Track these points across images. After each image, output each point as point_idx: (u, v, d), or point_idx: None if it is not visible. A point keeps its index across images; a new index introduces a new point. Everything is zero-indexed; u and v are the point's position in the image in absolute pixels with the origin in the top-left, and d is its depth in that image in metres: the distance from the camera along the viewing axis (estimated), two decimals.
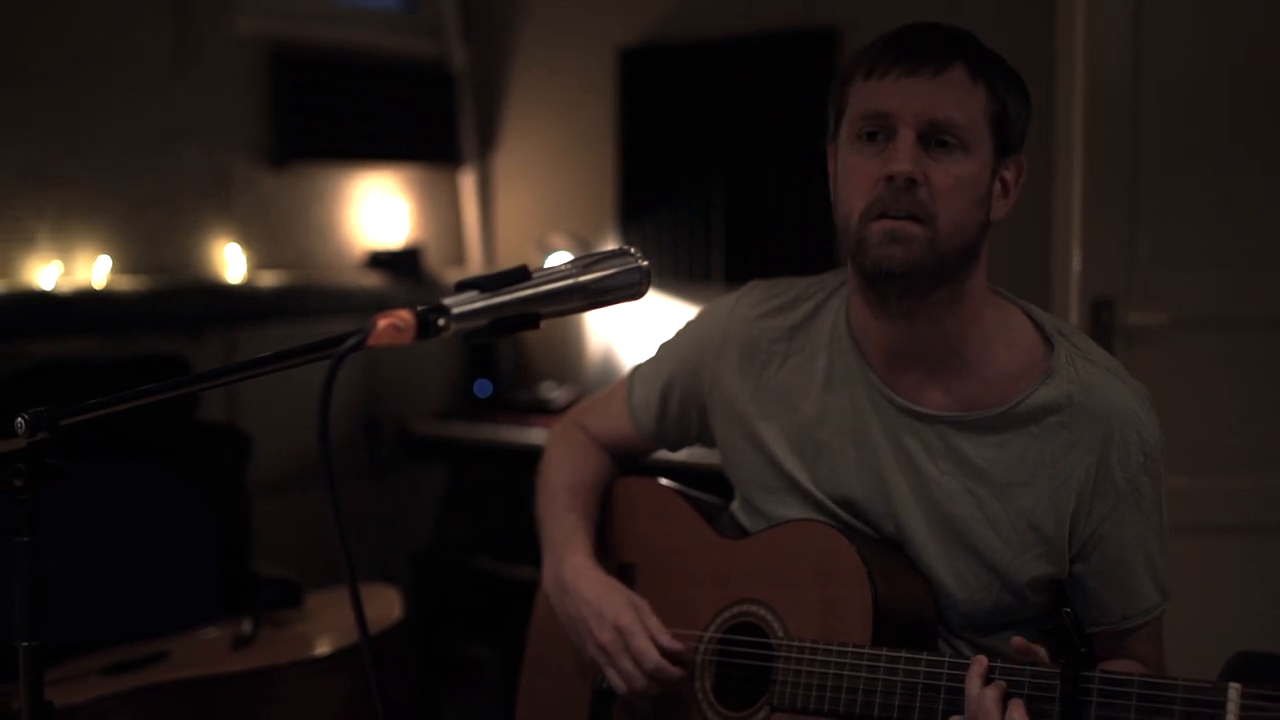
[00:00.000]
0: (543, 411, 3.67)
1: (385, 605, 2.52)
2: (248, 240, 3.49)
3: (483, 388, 3.92)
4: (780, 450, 1.63)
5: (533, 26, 4.05)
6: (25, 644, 1.18)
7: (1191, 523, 2.66)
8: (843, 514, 1.60)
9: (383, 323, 1.02)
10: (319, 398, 0.99)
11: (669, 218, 3.74)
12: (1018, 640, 1.37)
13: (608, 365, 3.89)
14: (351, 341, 1.01)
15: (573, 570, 1.70)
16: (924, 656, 1.43)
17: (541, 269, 1.13)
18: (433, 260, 4.00)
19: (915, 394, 1.55)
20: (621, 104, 3.83)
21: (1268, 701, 1.21)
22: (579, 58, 3.94)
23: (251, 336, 3.39)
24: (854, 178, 1.48)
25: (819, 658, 1.50)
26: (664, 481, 1.82)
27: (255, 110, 3.52)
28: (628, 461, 1.87)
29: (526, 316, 1.09)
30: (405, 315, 1.03)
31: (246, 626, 2.43)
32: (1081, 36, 2.84)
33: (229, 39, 3.42)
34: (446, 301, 1.05)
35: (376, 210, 3.88)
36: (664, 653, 1.61)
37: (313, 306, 3.52)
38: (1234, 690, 1.22)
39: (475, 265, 4.17)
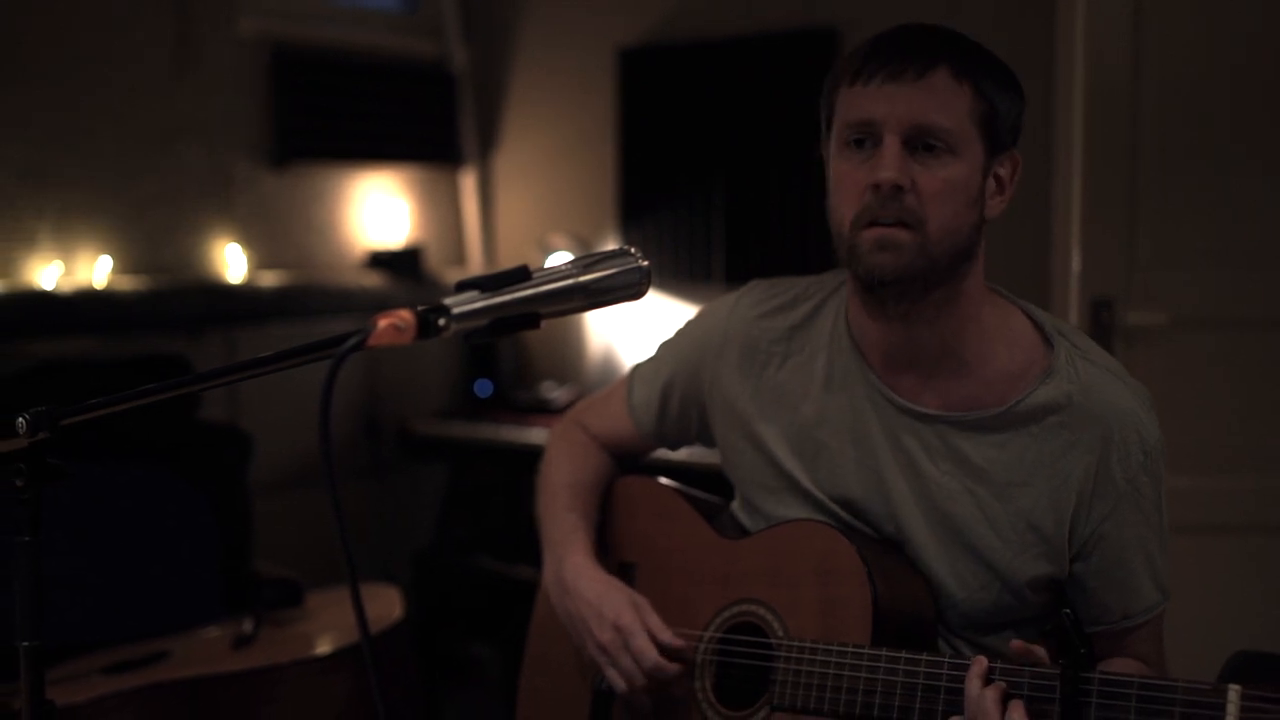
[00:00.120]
0: (543, 411, 3.67)
1: (386, 605, 2.53)
2: (248, 240, 3.49)
3: (483, 387, 3.93)
4: (780, 450, 1.64)
5: (533, 26, 4.05)
6: (26, 643, 1.19)
7: (1191, 523, 2.66)
8: (842, 514, 1.60)
9: (383, 323, 1.02)
10: (320, 397, 0.99)
11: (669, 218, 3.74)
12: (1016, 643, 1.37)
13: (608, 365, 3.89)
14: (352, 341, 1.02)
15: (573, 570, 1.70)
16: (924, 657, 1.43)
17: (542, 269, 1.13)
18: (433, 260, 4.01)
19: (915, 394, 1.55)
20: (622, 104, 3.83)
21: (1267, 703, 1.21)
22: (579, 58, 3.94)
23: (252, 336, 3.39)
24: (843, 185, 1.48)
25: (819, 657, 1.50)
26: (664, 481, 1.82)
27: (256, 110, 3.52)
28: (628, 461, 1.87)
29: (527, 316, 1.10)
30: (406, 315, 1.03)
31: (247, 626, 2.43)
32: (1081, 36, 2.84)
33: (229, 39, 3.42)
34: (447, 301, 1.05)
35: (377, 210, 3.88)
36: (664, 651, 1.61)
37: (313, 306, 3.52)
38: (1234, 692, 1.22)
39: (476, 265, 4.17)
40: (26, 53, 3.04)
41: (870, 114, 1.45)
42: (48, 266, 3.06)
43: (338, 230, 3.78)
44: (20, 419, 1.16)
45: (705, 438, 1.79)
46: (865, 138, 1.46)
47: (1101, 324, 2.85)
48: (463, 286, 1.07)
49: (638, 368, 1.84)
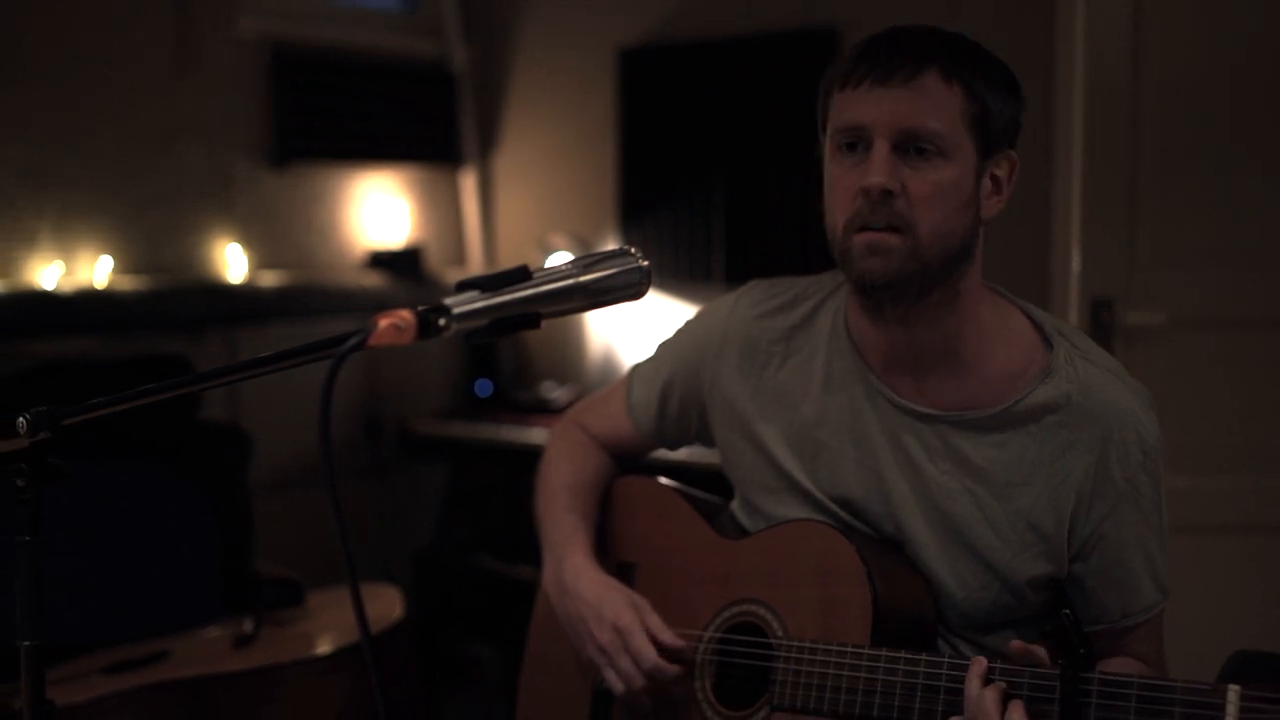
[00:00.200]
0: (543, 411, 3.67)
1: (386, 604, 2.53)
2: (249, 240, 3.49)
3: (483, 387, 3.93)
4: (779, 450, 1.64)
5: (533, 26, 4.05)
6: (27, 643, 1.19)
7: (1191, 523, 2.66)
8: (842, 514, 1.60)
9: (384, 323, 1.02)
10: (320, 397, 0.99)
11: (669, 218, 3.74)
12: (1016, 644, 1.37)
13: (608, 365, 3.89)
14: (352, 341, 1.02)
15: (572, 571, 1.70)
16: (923, 657, 1.43)
17: (542, 269, 1.13)
18: (433, 260, 4.01)
19: (914, 394, 1.55)
20: (622, 104, 3.83)
21: (1267, 703, 1.21)
22: (579, 58, 3.94)
23: (253, 336, 3.39)
24: (836, 190, 1.49)
25: (819, 657, 1.50)
26: (664, 481, 1.82)
27: (256, 110, 3.52)
28: (627, 461, 1.87)
29: (527, 316, 1.10)
30: (406, 315, 1.03)
31: (248, 626, 2.43)
32: (1081, 36, 2.85)
33: (229, 39, 3.42)
34: (447, 301, 1.05)
35: (377, 210, 3.88)
36: (664, 651, 1.61)
37: (314, 306, 3.52)
38: (1233, 692, 1.22)
39: (476, 265, 4.17)
40: (26, 53, 3.04)
41: (860, 118, 1.44)
42: (48, 266, 3.06)
43: (338, 230, 3.78)
44: (21, 419, 1.16)
45: (705, 437, 1.79)
46: (856, 142, 1.46)
47: (1101, 324, 2.85)
48: (463, 286, 1.07)
49: (637, 368, 1.84)
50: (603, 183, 3.91)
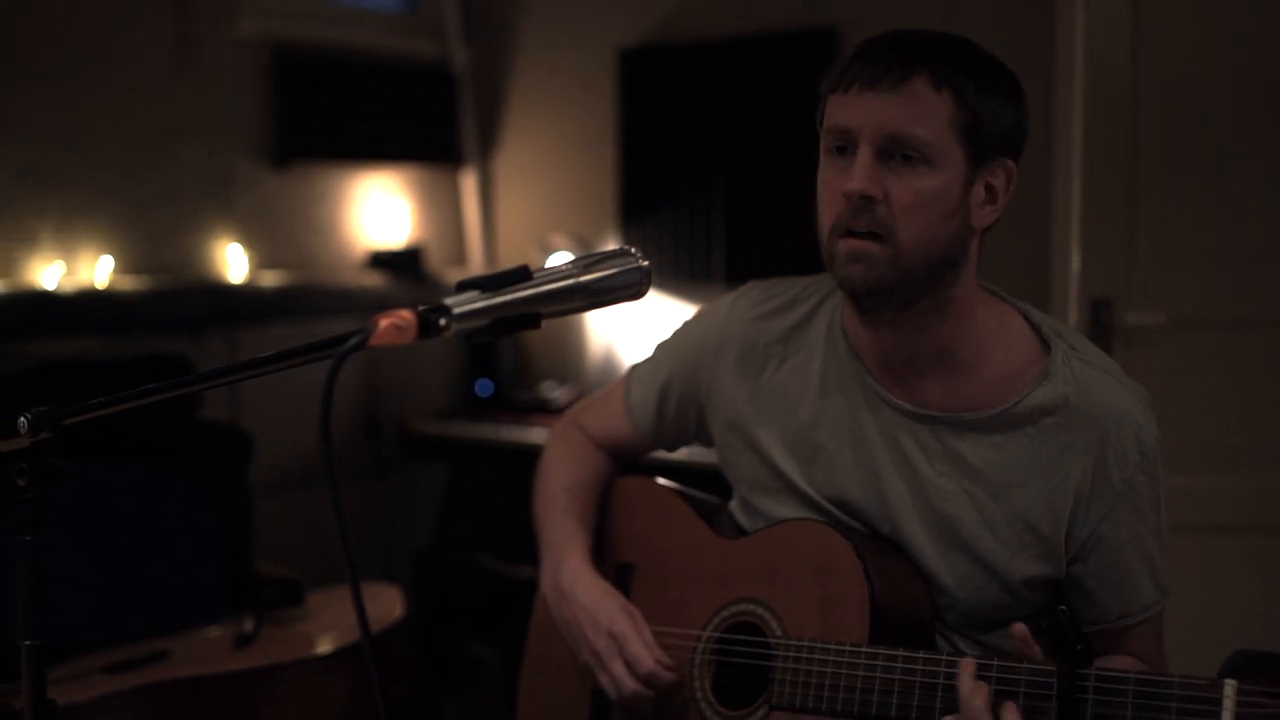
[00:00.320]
0: (544, 411, 3.67)
1: (386, 604, 2.53)
2: (249, 240, 3.49)
3: (484, 387, 3.93)
4: (777, 452, 1.64)
5: (533, 27, 4.05)
6: (28, 643, 1.19)
7: (1191, 522, 2.66)
8: (840, 515, 1.60)
9: (384, 322, 1.03)
10: (321, 397, 0.99)
11: (669, 218, 3.74)
12: (1019, 627, 1.37)
13: (608, 365, 3.89)
14: (353, 341, 1.02)
15: (570, 575, 1.70)
16: (921, 655, 1.43)
17: (542, 269, 1.13)
18: (434, 260, 4.01)
19: (911, 395, 1.55)
20: (622, 104, 3.83)
21: (1264, 698, 1.21)
22: (579, 58, 3.94)
23: (253, 336, 3.39)
24: (825, 193, 1.48)
25: (817, 656, 1.50)
26: (662, 481, 1.82)
27: (256, 110, 3.52)
28: (626, 461, 1.88)
29: (527, 316, 1.10)
30: (406, 315, 1.03)
31: (248, 625, 2.43)
32: (1081, 36, 2.85)
33: (229, 39, 3.43)
34: (448, 301, 1.05)
35: (378, 210, 3.88)
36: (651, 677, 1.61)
37: (314, 306, 3.53)
38: (1230, 687, 1.23)
39: (476, 265, 4.17)
40: (26, 53, 3.04)
41: (846, 122, 1.44)
42: (49, 266, 3.06)
43: (338, 230, 3.78)
44: (22, 419, 1.16)
45: (704, 438, 1.79)
46: (846, 145, 1.45)
47: (1101, 324, 2.85)
48: (463, 286, 1.07)
49: (636, 368, 1.84)
50: (603, 183, 3.91)
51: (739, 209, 3.60)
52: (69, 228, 3.11)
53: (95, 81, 3.16)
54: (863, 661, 1.46)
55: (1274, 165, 2.83)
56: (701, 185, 3.66)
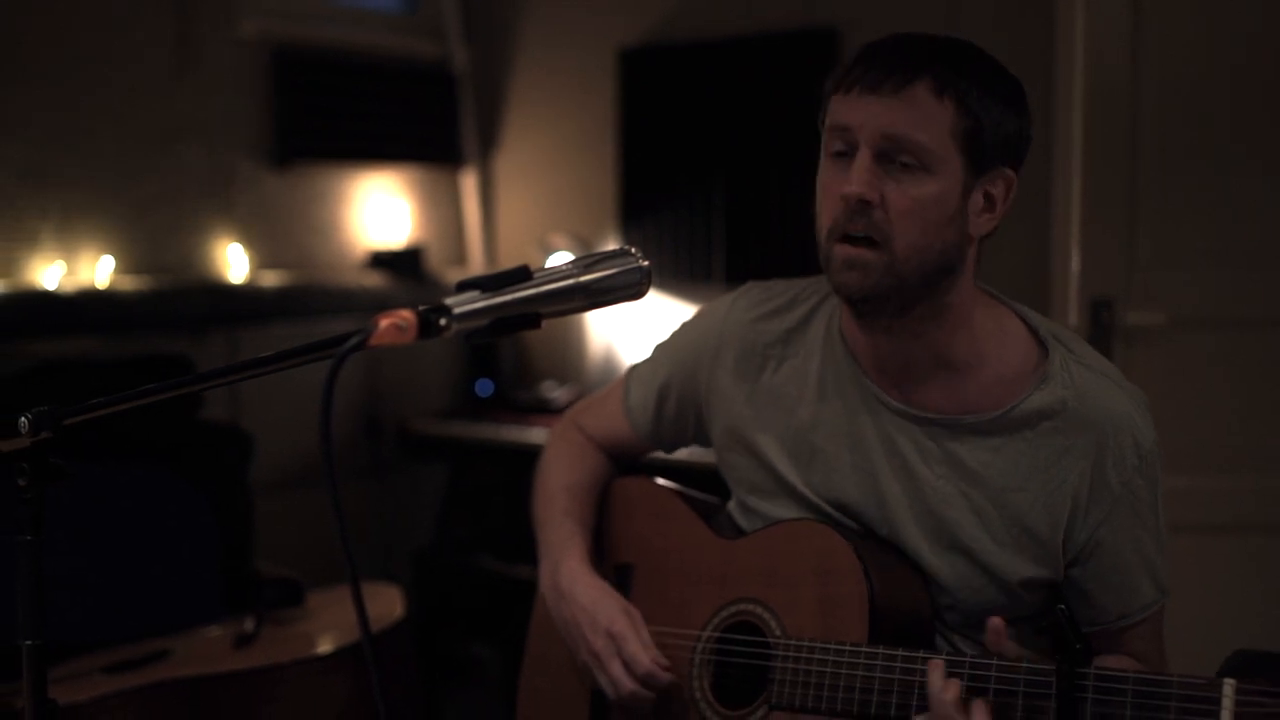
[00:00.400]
0: (544, 411, 3.67)
1: (386, 604, 2.53)
2: (250, 240, 3.49)
3: (484, 387, 3.93)
4: (775, 454, 1.64)
5: (533, 27, 4.05)
6: (29, 643, 1.19)
7: (1191, 522, 2.66)
8: (837, 517, 1.60)
9: (384, 322, 1.03)
10: (321, 397, 1.00)
11: (669, 218, 3.74)
12: (994, 620, 1.37)
13: (608, 365, 3.89)
14: (353, 341, 1.02)
15: (568, 575, 1.70)
16: (921, 655, 1.43)
17: (542, 269, 1.13)
18: (434, 260, 4.01)
19: (909, 398, 1.55)
20: (622, 104, 3.83)
21: (1263, 697, 1.21)
22: (580, 58, 3.94)
23: (254, 336, 3.39)
24: (823, 195, 1.48)
25: (816, 656, 1.50)
26: (661, 481, 1.83)
27: (256, 110, 3.52)
28: (625, 461, 1.88)
29: (527, 316, 1.10)
30: (407, 315, 1.03)
31: (248, 625, 2.43)
32: (1081, 36, 2.85)
33: (230, 39, 3.43)
34: (448, 301, 1.05)
35: (378, 210, 3.88)
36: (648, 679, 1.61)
37: (315, 306, 3.53)
38: (1229, 686, 1.23)
39: (476, 265, 4.17)
40: (26, 53, 3.04)
41: (847, 124, 1.43)
42: (50, 266, 3.06)
43: (339, 230, 3.78)
44: (23, 419, 1.16)
45: (703, 439, 1.79)
46: (846, 148, 1.45)
47: (1101, 324, 2.85)
48: (463, 286, 1.07)
49: (634, 369, 1.84)
50: (603, 183, 3.91)
51: (739, 209, 3.60)
52: (69, 228, 3.11)
53: (95, 81, 3.16)
54: (862, 661, 1.46)
55: (1274, 165, 2.83)
56: (701, 185, 3.66)
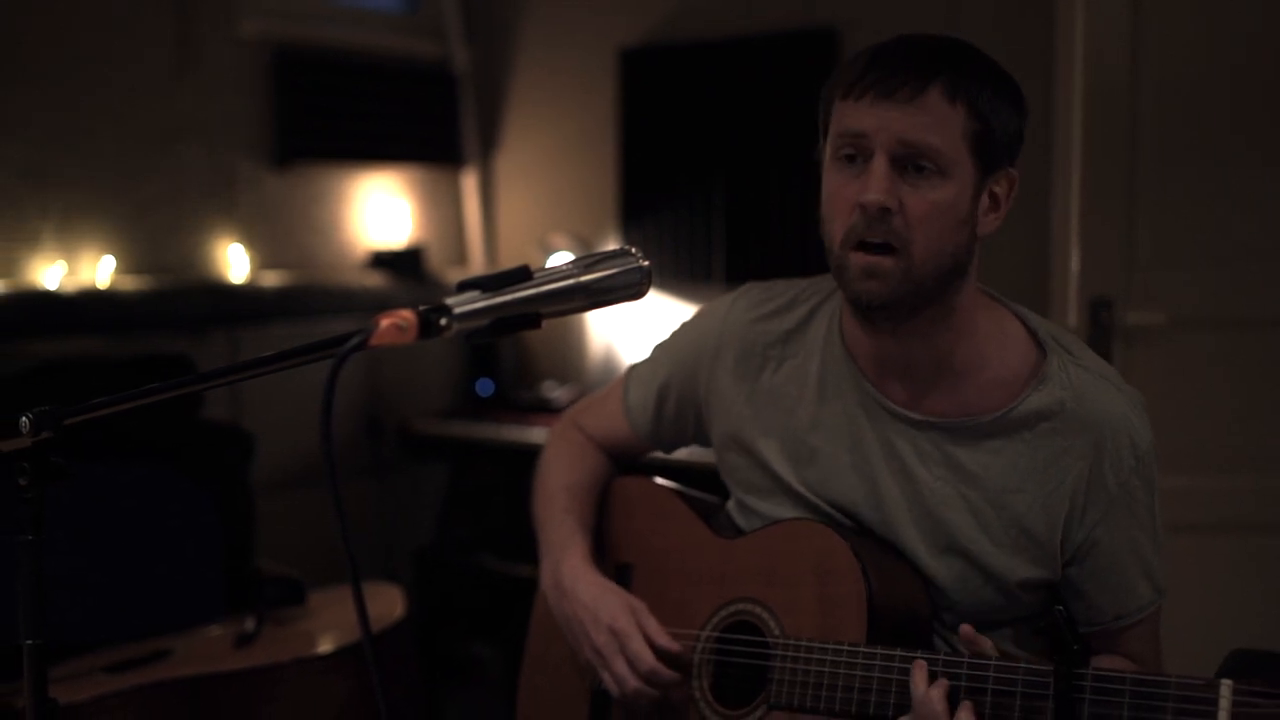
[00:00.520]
0: (544, 411, 3.68)
1: (387, 604, 2.53)
2: (250, 240, 3.50)
3: (484, 387, 3.93)
4: (774, 455, 1.64)
5: (534, 27, 4.06)
6: (29, 642, 1.19)
7: (1191, 522, 2.67)
8: (837, 517, 1.60)
9: (385, 322, 1.03)
10: (322, 397, 1.00)
11: (670, 218, 3.74)
12: (965, 627, 1.39)
13: (609, 365, 3.90)
14: (354, 341, 1.02)
15: (570, 573, 1.71)
16: (918, 655, 1.43)
17: (543, 269, 1.14)
18: (435, 260, 4.01)
19: (908, 400, 1.55)
20: (622, 104, 3.83)
21: (1260, 698, 1.21)
22: (580, 58, 3.94)
23: (255, 336, 3.40)
24: (834, 201, 1.48)
25: (815, 656, 1.50)
26: (661, 481, 1.83)
27: (257, 110, 3.52)
28: (625, 461, 1.88)
29: (528, 316, 1.10)
30: (407, 315, 1.03)
31: (249, 625, 2.43)
32: (1081, 36, 2.85)
33: (230, 39, 3.43)
34: (448, 301, 1.06)
35: (379, 210, 3.89)
36: (660, 654, 1.61)
37: (315, 306, 3.53)
38: (1226, 687, 1.23)
39: (477, 265, 4.17)
40: (26, 53, 3.04)
41: (861, 131, 1.43)
42: (51, 267, 3.06)
43: (339, 230, 3.79)
44: (24, 418, 1.16)
45: (702, 439, 1.79)
46: (856, 154, 1.45)
47: (1101, 324, 2.85)
48: (464, 286, 1.08)
49: (634, 369, 1.84)
50: (603, 183, 3.91)
51: (739, 209, 3.61)
52: (70, 228, 3.11)
53: (95, 81, 3.16)
54: (860, 661, 1.46)
55: (1274, 165, 2.83)
56: (701, 185, 3.67)
